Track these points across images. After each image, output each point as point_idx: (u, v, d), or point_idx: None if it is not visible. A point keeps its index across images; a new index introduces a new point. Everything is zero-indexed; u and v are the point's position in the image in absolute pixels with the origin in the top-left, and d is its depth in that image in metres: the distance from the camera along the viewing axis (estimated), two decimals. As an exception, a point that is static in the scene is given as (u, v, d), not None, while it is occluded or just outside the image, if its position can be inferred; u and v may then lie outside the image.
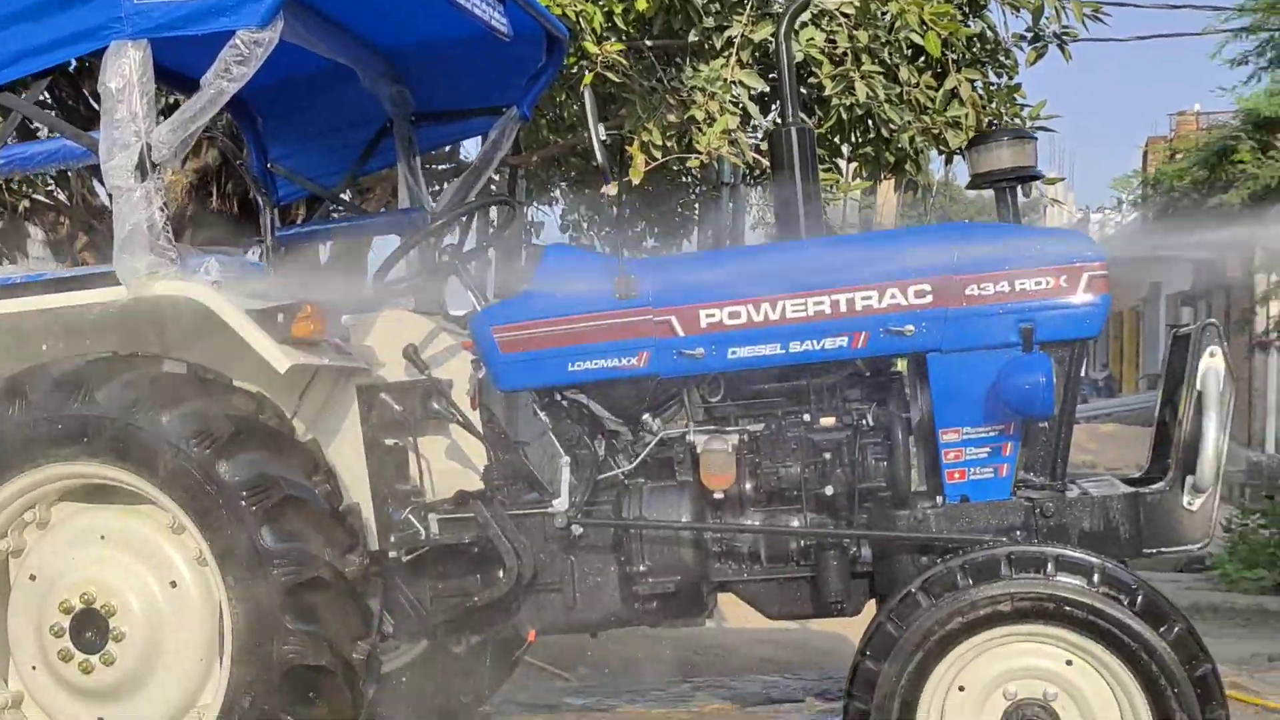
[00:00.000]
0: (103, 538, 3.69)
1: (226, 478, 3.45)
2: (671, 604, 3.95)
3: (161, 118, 3.61)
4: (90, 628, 3.63)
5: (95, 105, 7.06)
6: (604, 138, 3.64)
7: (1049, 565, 3.13)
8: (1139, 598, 3.09)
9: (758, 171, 8.16)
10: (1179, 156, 13.58)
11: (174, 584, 3.63)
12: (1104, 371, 34.90)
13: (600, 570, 3.97)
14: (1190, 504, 3.54)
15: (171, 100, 5.95)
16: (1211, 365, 3.50)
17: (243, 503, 3.43)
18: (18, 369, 3.74)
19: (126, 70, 3.51)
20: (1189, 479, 3.51)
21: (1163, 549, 3.58)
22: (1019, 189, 3.99)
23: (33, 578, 3.73)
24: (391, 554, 3.93)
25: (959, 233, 3.74)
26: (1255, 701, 4.57)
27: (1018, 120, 7.83)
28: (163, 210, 3.55)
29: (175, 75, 4.42)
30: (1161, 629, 3.07)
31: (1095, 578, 3.11)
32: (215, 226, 7.52)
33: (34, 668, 3.73)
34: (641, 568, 3.86)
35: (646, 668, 6.48)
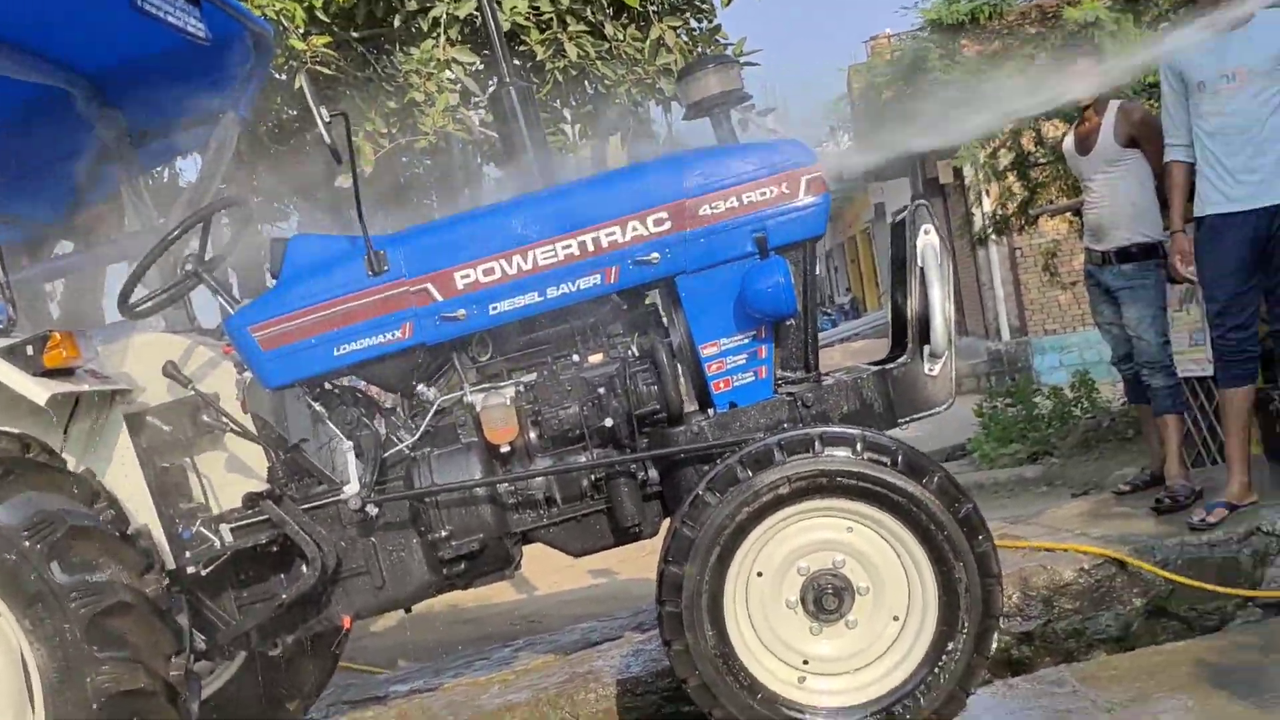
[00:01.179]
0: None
1: (4, 521, 3.34)
2: (478, 563, 4.04)
3: None
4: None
5: None
6: (327, 120, 3.66)
7: (816, 443, 3.38)
8: (899, 457, 3.38)
9: (486, 147, 8.25)
10: (876, 73, 14.29)
11: (-34, 640, 3.49)
12: (848, 295, 36.52)
13: (403, 545, 4.03)
14: (931, 370, 3.86)
15: None
16: (928, 241, 3.83)
17: (26, 543, 3.34)
18: None
19: None
20: (926, 348, 3.84)
21: (914, 415, 3.90)
22: (732, 115, 4.22)
23: None
24: (190, 569, 3.89)
25: (685, 159, 3.94)
26: (1022, 545, 5.01)
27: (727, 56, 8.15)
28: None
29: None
30: (924, 480, 3.36)
31: (858, 447, 3.37)
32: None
33: None
34: (443, 533, 3.94)
35: (466, 647, 6.55)
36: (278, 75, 6.55)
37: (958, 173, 17.82)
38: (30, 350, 3.47)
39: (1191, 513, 5.02)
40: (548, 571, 8.63)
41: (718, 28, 8.56)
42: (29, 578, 3.35)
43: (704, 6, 8.43)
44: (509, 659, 5.58)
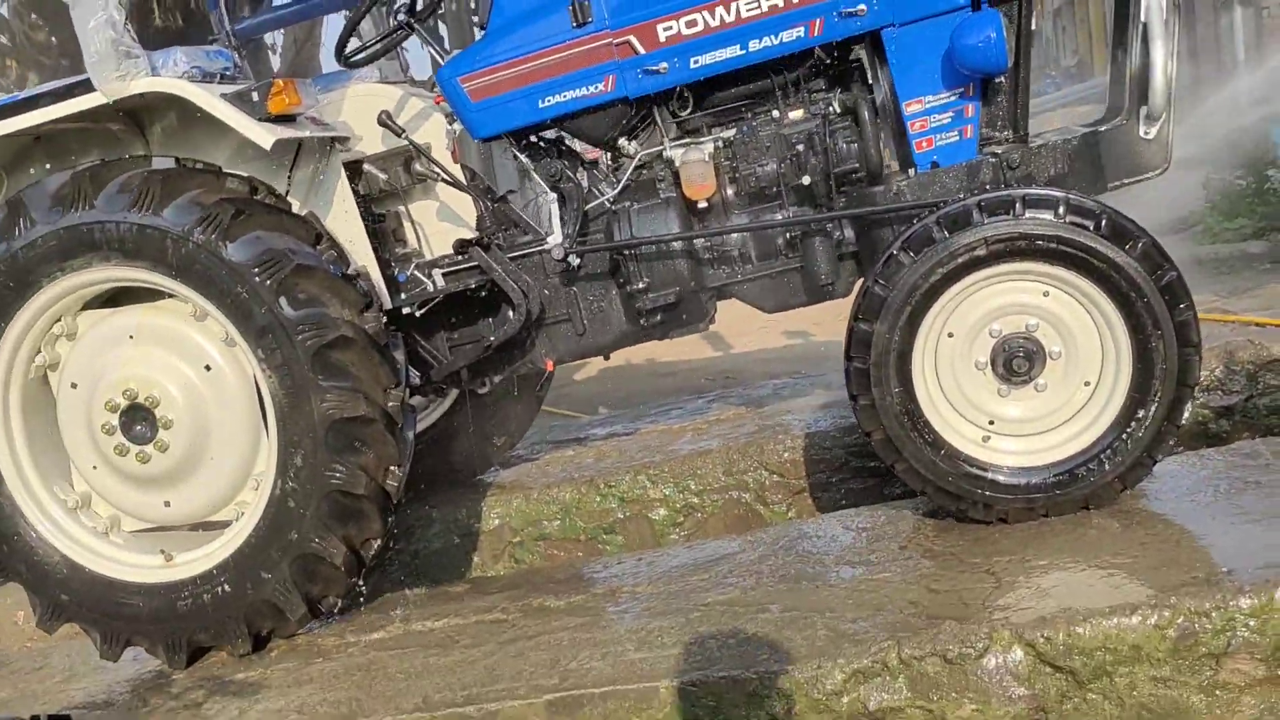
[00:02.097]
0: (131, 337, 3.88)
1: (236, 258, 3.60)
2: (674, 315, 4.17)
3: None
4: (139, 421, 3.85)
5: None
6: None
7: (1016, 205, 3.31)
8: (1103, 221, 3.29)
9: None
10: None
11: (208, 367, 3.83)
12: (1074, 57, 34.51)
13: (603, 295, 4.18)
14: (1147, 133, 3.71)
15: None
16: (1154, -5, 3.61)
17: (256, 279, 3.60)
18: (12, 193, 3.86)
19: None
20: (1143, 109, 3.67)
21: (1125, 180, 3.77)
22: None
23: (74, 385, 3.94)
24: (405, 310, 4.13)
25: (895, -92, 3.77)
26: (1230, 319, 4.85)
27: None
28: (120, 9, 3.59)
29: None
30: (1126, 246, 3.28)
31: (1060, 209, 3.30)
32: (163, 43, 7.46)
33: (95, 467, 3.98)
34: (641, 285, 4.07)
35: (663, 399, 6.80)
36: None
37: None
38: (256, 96, 3.65)
39: None
40: (744, 330, 8.78)
41: None
42: (260, 310, 3.63)
43: None
44: (703, 409, 5.78)
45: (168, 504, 3.97)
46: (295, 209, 3.94)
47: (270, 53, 8.08)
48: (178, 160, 3.85)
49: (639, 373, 8.25)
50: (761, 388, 6.08)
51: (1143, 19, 3.63)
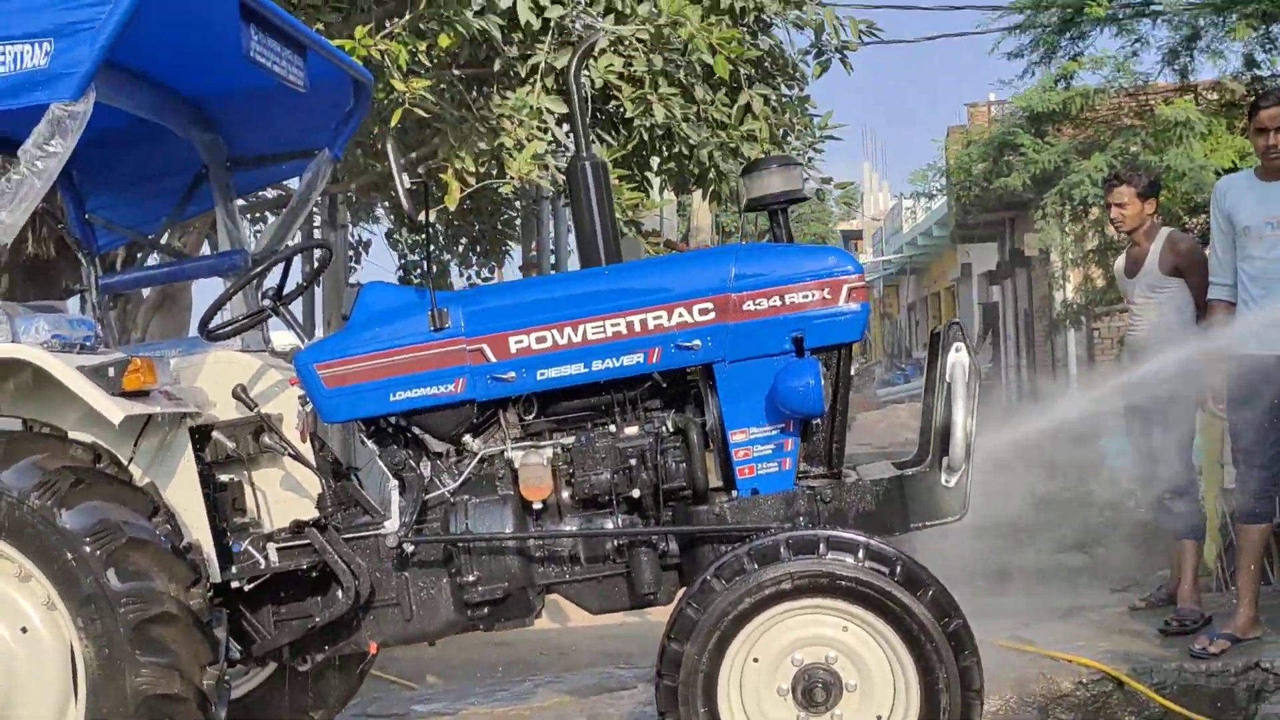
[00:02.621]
0: (-51, 592, 3.84)
1: (70, 526, 3.65)
2: (502, 609, 4.28)
3: None
4: (-57, 678, 3.77)
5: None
6: (409, 186, 3.94)
7: (821, 546, 3.58)
8: (898, 567, 3.56)
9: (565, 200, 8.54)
10: (970, 146, 14.47)
11: (24, 629, 3.80)
12: (925, 350, 36.39)
13: (433, 583, 4.29)
14: (948, 482, 4.04)
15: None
16: (957, 359, 4.01)
17: (87, 548, 3.64)
18: None
19: (-56, 144, 3.67)
20: (944, 459, 4.02)
21: (926, 523, 4.08)
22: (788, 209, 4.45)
23: (-118, 637, 3.85)
24: (234, 584, 4.17)
25: (735, 254, 4.16)
26: (1026, 649, 5.14)
27: (806, 131, 8.38)
28: (-12, 277, 3.73)
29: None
30: (918, 593, 3.55)
31: (860, 554, 3.57)
32: (33, 273, 7.55)
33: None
34: (471, 578, 4.19)
35: (495, 670, 6.81)
36: (379, 104, 6.86)
37: (1045, 249, 17.88)
38: (112, 372, 3.77)
39: (1195, 639, 5.12)
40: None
41: (806, 98, 8.78)
42: (86, 580, 3.65)
43: (795, 75, 8.67)
44: (528, 693, 5.82)
45: (-40, 767, 3.86)
46: (137, 478, 4.01)
47: (140, 305, 8.24)
48: (25, 422, 3.91)
49: (475, 639, 8.13)
50: (591, 675, 6.15)
51: (947, 378, 4.02)
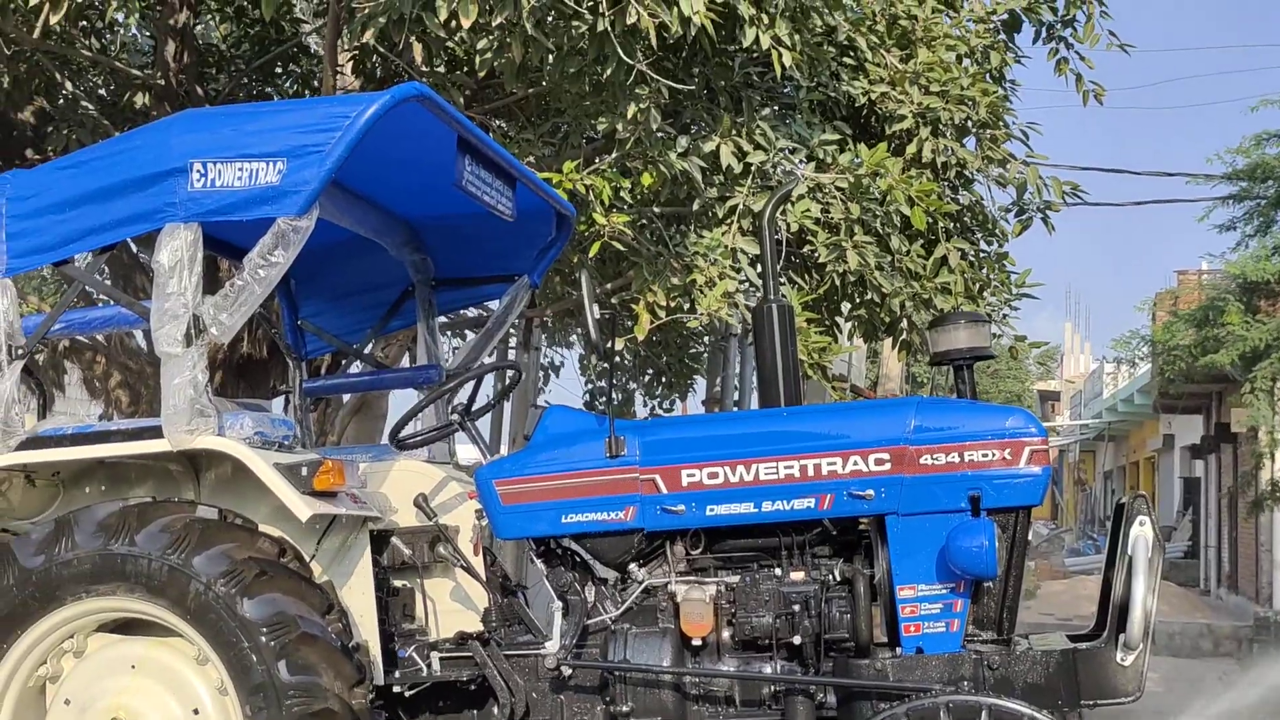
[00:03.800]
0: (133, 667, 4.05)
1: (249, 615, 3.82)
2: (655, 746, 4.26)
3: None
4: (118, 750, 3.96)
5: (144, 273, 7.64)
6: (598, 316, 4.07)
7: (983, 714, 3.46)
8: (1062, 747, 3.41)
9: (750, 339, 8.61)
10: (1177, 318, 14.04)
11: (196, 711, 3.98)
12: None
13: (588, 709, 4.30)
14: (1123, 660, 3.88)
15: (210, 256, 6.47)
16: (1140, 533, 3.88)
17: (263, 638, 3.80)
18: (65, 510, 4.17)
19: (179, 249, 3.98)
20: (1121, 636, 3.86)
21: (1098, 700, 3.90)
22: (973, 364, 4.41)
23: (67, 702, 4.08)
24: (395, 689, 4.27)
25: (916, 406, 4.14)
26: None
27: (1002, 288, 8.29)
28: (205, 372, 3.98)
29: (218, 242, 4.91)
30: (1082, 775, 3.39)
31: (1023, 726, 3.43)
32: (244, 370, 8.00)
33: (65, 788, 4.05)
34: (626, 708, 4.19)
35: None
36: (580, 235, 7.11)
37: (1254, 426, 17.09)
38: (305, 471, 3.97)
39: None
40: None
41: (1005, 254, 8.71)
42: (259, 668, 3.80)
43: (995, 231, 8.61)
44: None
45: (123, 838, 4.01)
46: (317, 574, 4.17)
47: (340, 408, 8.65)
48: (221, 512, 4.13)
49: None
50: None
51: (1129, 552, 3.88)
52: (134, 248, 7.64)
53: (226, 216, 3.99)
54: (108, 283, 6.91)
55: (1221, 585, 22.60)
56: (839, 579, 4.18)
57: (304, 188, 3.90)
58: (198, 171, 3.99)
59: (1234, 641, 17.25)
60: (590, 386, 12.07)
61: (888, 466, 4.02)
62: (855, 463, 4.04)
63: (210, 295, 4.00)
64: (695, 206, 7.43)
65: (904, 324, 7.81)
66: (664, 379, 11.21)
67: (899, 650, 4.02)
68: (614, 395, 4.42)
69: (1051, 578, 22.92)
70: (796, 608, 4.11)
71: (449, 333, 9.99)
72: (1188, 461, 26.61)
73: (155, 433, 4.03)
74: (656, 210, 7.60)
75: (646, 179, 6.61)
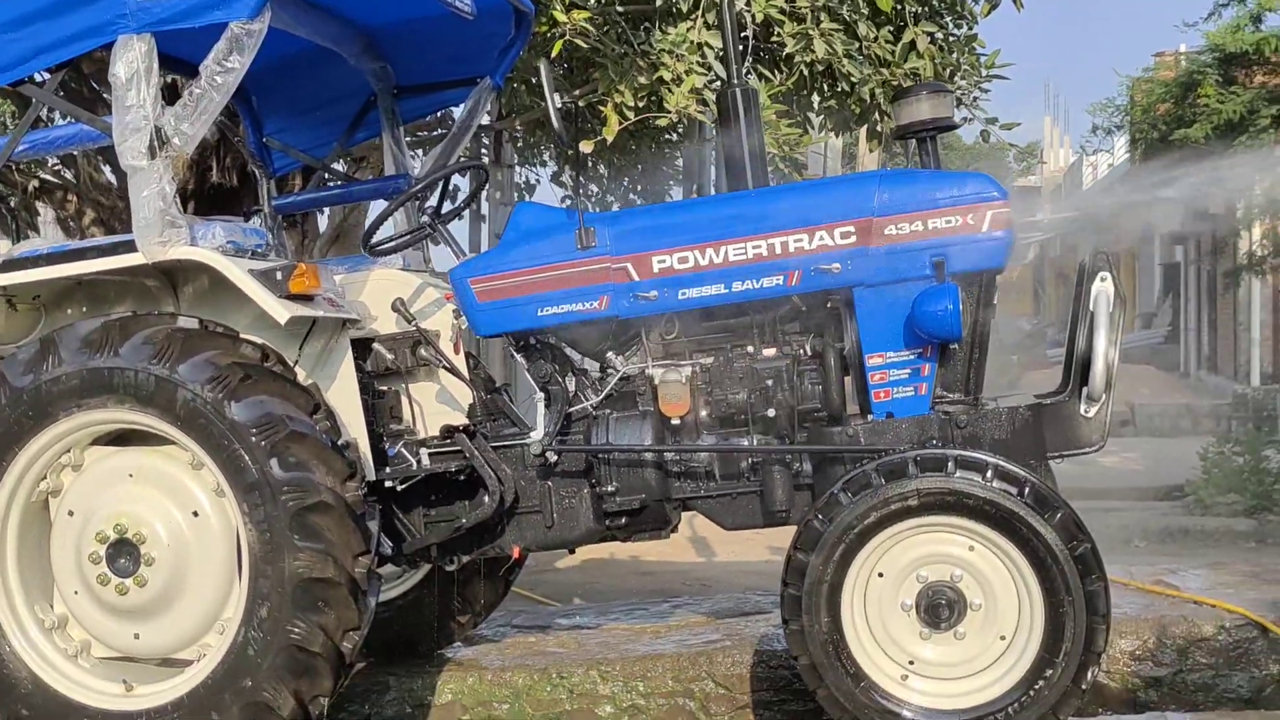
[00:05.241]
0: (131, 475, 4.17)
1: (238, 417, 3.92)
2: (639, 520, 4.44)
3: (162, 98, 4.06)
4: (124, 555, 4.11)
5: (100, 91, 7.52)
6: (559, 106, 4.07)
7: (949, 464, 3.62)
8: (1027, 489, 3.57)
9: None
10: (1153, 87, 13.91)
11: (196, 514, 4.11)
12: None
13: (574, 493, 4.46)
14: (1086, 412, 4.02)
15: (170, 79, 6.39)
16: (1101, 289, 3.98)
17: (253, 438, 3.91)
18: (48, 330, 4.23)
19: (134, 61, 3.95)
20: (1084, 390, 3.99)
21: (1063, 452, 4.06)
22: (938, 138, 4.43)
23: (71, 514, 4.21)
24: (387, 484, 4.41)
25: (879, 179, 4.19)
26: (1169, 593, 5.07)
27: (973, 71, 8.22)
28: (172, 184, 4.00)
29: (175, 60, 4.85)
30: (1047, 515, 3.55)
31: (989, 473, 3.59)
32: (216, 199, 7.98)
33: (76, 592, 4.22)
34: (610, 488, 4.35)
35: (637, 598, 6.98)
36: (541, 38, 7.01)
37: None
38: (280, 275, 4.02)
39: (1351, 592, 4.97)
40: (731, 539, 8.99)
41: (974, 36, 8.59)
42: (252, 468, 3.92)
43: (963, 13, 8.49)
44: (667, 613, 5.97)
45: (137, 636, 4.19)
46: (301, 378, 4.26)
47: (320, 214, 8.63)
48: (201, 321, 4.20)
49: (621, 569, 8.44)
50: (729, 599, 6.27)
51: (1090, 308, 3.98)
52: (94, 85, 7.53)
53: (178, 24, 3.94)
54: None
55: (1201, 367, 23.04)
56: (810, 353, 4.29)
57: (254, -11, 3.85)
58: (144, -21, 3.93)
59: (1213, 419, 17.69)
60: (567, 203, 12.03)
61: (853, 239, 4.08)
62: (821, 238, 4.10)
63: (170, 106, 3.98)
64: (659, 2, 7.30)
65: (875, 114, 7.77)
66: (639, 188, 11.17)
67: (870, 417, 4.14)
68: (578, 189, 4.42)
69: (1035, 368, 23.30)
70: (770, 382, 4.23)
71: (419, 151, 9.92)
72: (1167, 249, 26.80)
73: (130, 247, 4.07)
74: (620, 9, 7.48)
75: (606, -28, 6.49)
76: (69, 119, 5.91)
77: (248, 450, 3.91)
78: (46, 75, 4.43)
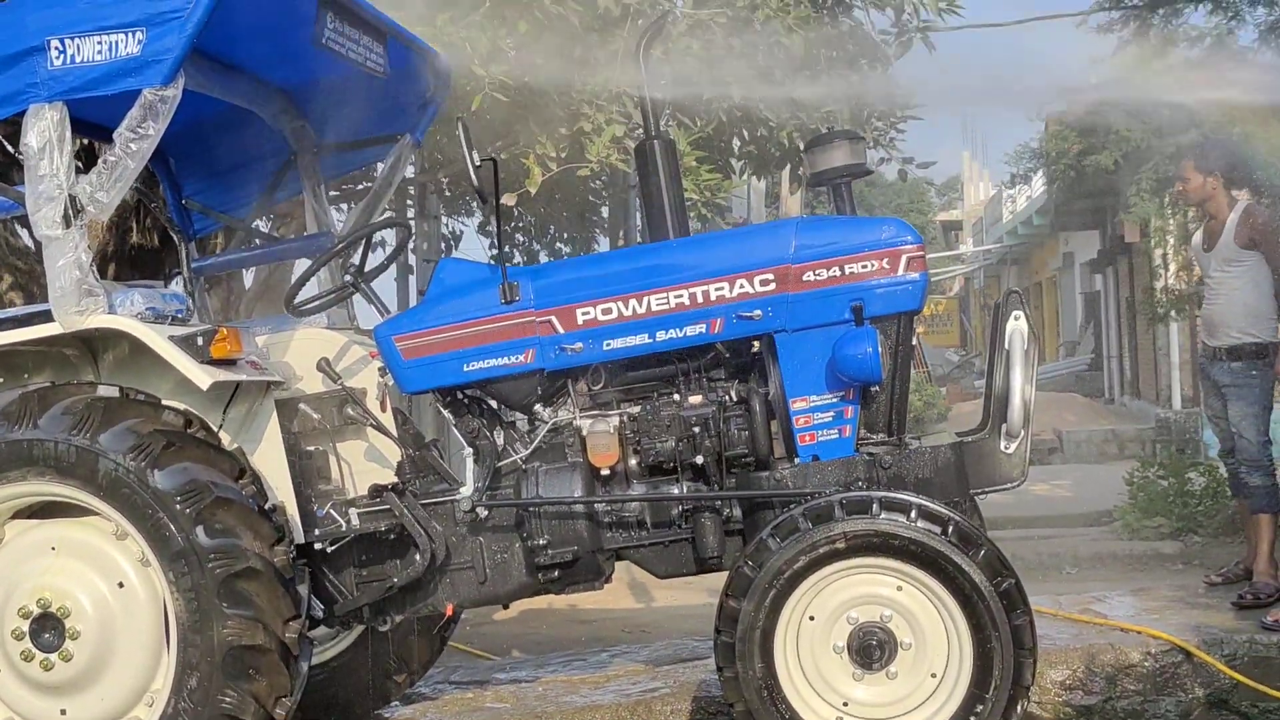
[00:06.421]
0: (54, 549, 4.10)
1: (162, 485, 3.88)
2: (572, 572, 4.43)
3: (78, 163, 4.03)
4: (48, 629, 4.04)
5: (14, 154, 7.43)
6: (478, 164, 4.10)
7: (874, 506, 3.67)
8: (950, 527, 3.63)
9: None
10: (1062, 124, 14.28)
11: (121, 584, 4.05)
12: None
13: (506, 547, 4.45)
14: (1006, 448, 4.09)
15: (85, 142, 6.32)
16: (1016, 327, 4.07)
17: (177, 506, 3.87)
18: (-36, 404, 4.16)
19: (46, 130, 3.92)
20: (1004, 426, 4.07)
21: (985, 488, 4.13)
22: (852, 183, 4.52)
23: (-8, 589, 4.13)
24: (316, 546, 4.38)
25: (796, 226, 4.26)
26: (1096, 621, 5.15)
27: (888, 110, 8.39)
28: (88, 252, 3.97)
29: (88, 125, 4.81)
30: (971, 552, 3.61)
31: (913, 514, 3.65)
32: (137, 260, 7.90)
33: (-1, 670, 4.13)
34: (542, 541, 4.34)
35: (575, 647, 6.96)
36: (462, 92, 7.04)
37: (1145, 231, 17.55)
38: (200, 341, 4.00)
39: (1269, 612, 5.09)
40: (667, 584, 8.97)
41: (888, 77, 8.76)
42: (178, 536, 3.88)
43: (878, 56, 8.66)
44: (605, 663, 5.96)
45: (64, 712, 4.10)
46: (226, 443, 4.23)
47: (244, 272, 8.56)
48: (122, 389, 4.15)
49: (559, 618, 8.41)
50: (668, 646, 6.27)
51: (1006, 346, 4.07)
52: (7, 146, 7.43)
53: (90, 92, 3.92)
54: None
55: (1124, 393, 23.45)
56: (736, 399, 4.33)
57: (166, 56, 3.85)
58: (56, 48, 3.91)
59: (1138, 444, 18.01)
60: (493, 250, 12.04)
61: (773, 286, 4.14)
62: (742, 286, 4.15)
63: (84, 174, 3.96)
64: (577, 53, 7.37)
65: (795, 157, 7.90)
66: (566, 236, 11.22)
67: (796, 460, 4.19)
68: (501, 243, 4.44)
69: (963, 400, 23.61)
70: (697, 429, 4.26)
71: (343, 205, 9.89)
72: (1088, 277, 27.33)
73: (46, 316, 4.03)
74: (538, 61, 7.53)
75: (522, 26, 6.55)
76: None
77: (172, 518, 3.87)
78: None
